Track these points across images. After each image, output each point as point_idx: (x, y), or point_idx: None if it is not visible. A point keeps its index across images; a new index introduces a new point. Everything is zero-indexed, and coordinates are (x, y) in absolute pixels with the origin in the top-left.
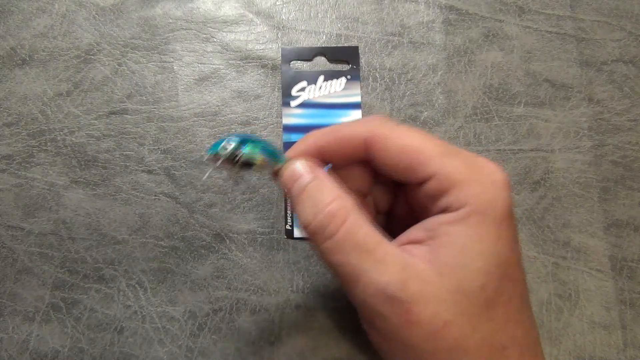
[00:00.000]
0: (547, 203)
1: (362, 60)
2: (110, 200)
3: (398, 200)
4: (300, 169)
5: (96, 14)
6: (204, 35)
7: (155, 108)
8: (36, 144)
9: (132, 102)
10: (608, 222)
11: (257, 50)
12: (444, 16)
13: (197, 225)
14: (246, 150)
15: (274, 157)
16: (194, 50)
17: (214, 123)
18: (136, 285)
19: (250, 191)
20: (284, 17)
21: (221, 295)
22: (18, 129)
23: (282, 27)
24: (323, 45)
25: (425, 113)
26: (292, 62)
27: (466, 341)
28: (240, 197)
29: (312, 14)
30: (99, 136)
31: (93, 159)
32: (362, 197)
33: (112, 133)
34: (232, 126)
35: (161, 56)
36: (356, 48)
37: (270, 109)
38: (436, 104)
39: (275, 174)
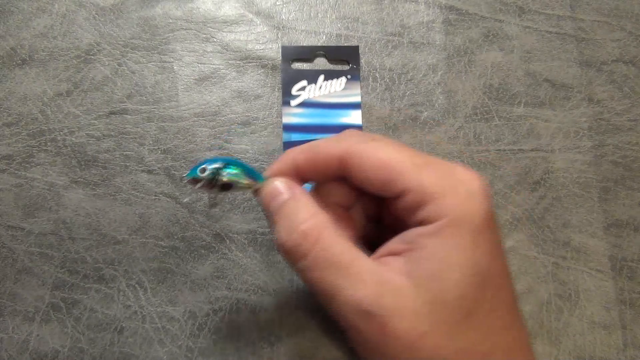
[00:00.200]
0: (547, 203)
1: (362, 60)
2: (110, 200)
3: (384, 208)
4: (278, 187)
5: (96, 14)
6: (204, 35)
7: (155, 108)
8: (36, 144)
9: (132, 102)
10: (608, 222)
11: (257, 50)
12: (444, 16)
13: (197, 225)
14: (224, 172)
15: (254, 178)
16: (194, 50)
17: (214, 123)
18: (136, 285)
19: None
20: (284, 17)
21: (221, 295)
22: (18, 129)
23: (282, 27)
24: (323, 45)
25: (425, 113)
26: (292, 62)
27: (444, 351)
28: (241, 197)
29: (312, 14)
30: (99, 136)
31: (93, 159)
32: (345, 209)
33: (112, 133)
34: (232, 126)
35: (161, 56)
36: (356, 48)
37: (270, 109)
38: (436, 104)
39: (256, 194)
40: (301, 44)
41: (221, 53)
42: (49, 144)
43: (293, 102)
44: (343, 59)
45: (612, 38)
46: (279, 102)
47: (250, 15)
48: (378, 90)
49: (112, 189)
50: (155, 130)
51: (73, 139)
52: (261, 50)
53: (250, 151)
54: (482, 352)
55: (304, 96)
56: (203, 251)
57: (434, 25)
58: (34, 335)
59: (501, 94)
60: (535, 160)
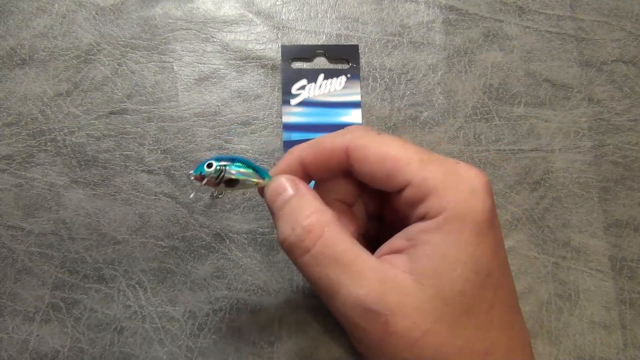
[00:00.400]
0: (547, 203)
1: (362, 60)
2: (110, 200)
3: (387, 205)
4: (283, 184)
5: (96, 14)
6: (204, 35)
7: (155, 108)
8: (36, 144)
9: (132, 102)
10: (608, 222)
11: (257, 50)
12: (444, 16)
13: (197, 225)
14: (231, 168)
15: (260, 175)
16: (194, 50)
17: (214, 123)
18: (136, 285)
19: (250, 191)
20: (284, 17)
21: (221, 295)
22: (18, 129)
23: (282, 27)
24: (323, 44)
25: (425, 113)
26: (292, 61)
27: (446, 348)
28: (241, 197)
29: (312, 14)
30: (99, 136)
31: (93, 159)
32: (348, 206)
33: (112, 133)
34: (232, 126)
35: (161, 56)
36: (356, 47)
37: (270, 108)
38: (436, 104)
39: (262, 191)
40: (301, 44)
41: (221, 53)
42: (49, 144)
43: (293, 101)
44: (343, 58)
45: (612, 38)
46: (278, 102)
47: (250, 15)
48: (378, 90)
49: (112, 189)
50: (155, 130)
51: (73, 139)
52: (261, 50)
53: (250, 151)
54: (482, 349)
55: (303, 95)
56: (203, 251)
57: (434, 25)
58: (34, 335)
59: (501, 94)
60: (535, 160)
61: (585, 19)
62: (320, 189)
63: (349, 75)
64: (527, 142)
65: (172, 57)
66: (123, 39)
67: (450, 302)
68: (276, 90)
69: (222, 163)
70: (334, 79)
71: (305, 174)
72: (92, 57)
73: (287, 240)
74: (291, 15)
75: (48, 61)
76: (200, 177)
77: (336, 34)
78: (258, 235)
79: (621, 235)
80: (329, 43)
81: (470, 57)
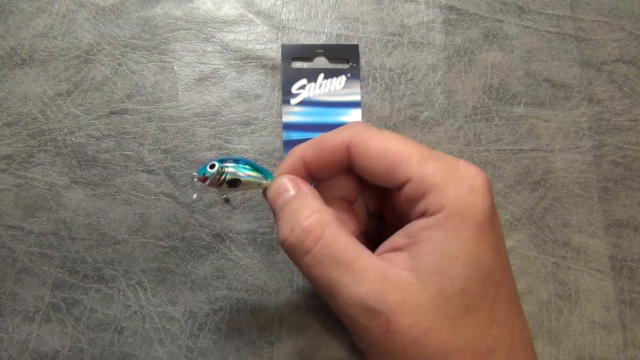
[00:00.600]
0: (547, 203)
1: (362, 60)
2: (110, 200)
3: (387, 203)
4: (285, 184)
5: (96, 14)
6: (204, 35)
7: (155, 108)
8: (36, 144)
9: (132, 102)
10: (608, 222)
11: (257, 50)
12: (444, 16)
13: (197, 225)
14: (232, 169)
15: (262, 176)
16: (194, 50)
17: (214, 123)
18: (136, 285)
19: (251, 191)
20: (284, 17)
21: (221, 295)
22: (18, 129)
23: (282, 27)
24: (323, 44)
25: (425, 113)
26: (292, 61)
27: (448, 346)
28: (241, 197)
29: (312, 14)
30: (99, 136)
31: (93, 159)
32: (348, 204)
33: (112, 133)
34: (232, 126)
35: (161, 56)
36: (356, 46)
37: (270, 108)
38: (436, 104)
39: (264, 193)
40: (301, 44)
41: (221, 53)
42: (49, 144)
43: (293, 101)
44: (343, 57)
45: (612, 38)
46: (278, 102)
47: (250, 15)
48: (378, 90)
49: (112, 189)
50: (155, 130)
51: (73, 139)
52: (261, 50)
53: (250, 151)
54: (484, 347)
55: (303, 95)
56: (203, 251)
57: (434, 25)
58: (34, 335)
59: (501, 94)
60: (535, 160)
61: (585, 19)
62: (321, 187)
63: (349, 75)
64: (527, 142)
65: (172, 57)
66: (123, 39)
67: (452, 300)
68: (276, 90)
69: (225, 164)
70: (334, 78)
71: (308, 173)
72: (92, 57)
73: (287, 241)
74: (291, 15)
75: (48, 61)
76: (204, 178)
77: (336, 34)
78: (258, 235)
79: (621, 235)
80: (329, 43)
81: (470, 57)
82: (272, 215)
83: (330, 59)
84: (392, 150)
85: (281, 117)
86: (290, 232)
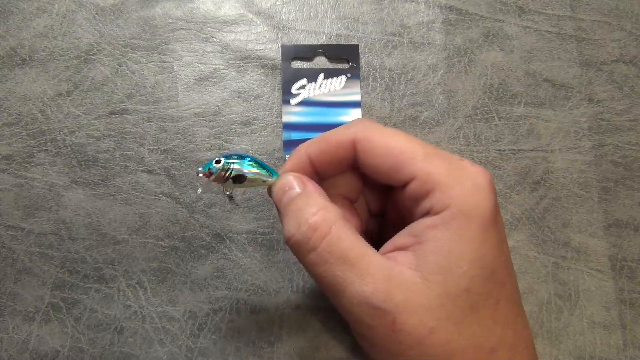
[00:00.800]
0: (547, 203)
1: (362, 60)
2: (110, 200)
3: (389, 202)
4: (290, 181)
5: (96, 14)
6: (204, 35)
7: (155, 108)
8: (36, 144)
9: (132, 102)
10: (608, 222)
11: (257, 50)
12: (444, 16)
13: (197, 225)
14: (238, 166)
15: (267, 173)
16: (194, 50)
17: (214, 123)
18: (136, 285)
19: (250, 191)
20: (284, 17)
21: (221, 295)
22: (18, 129)
23: (282, 27)
24: (323, 44)
25: (425, 113)
26: (292, 61)
27: (453, 345)
28: (241, 197)
29: (312, 14)
30: (99, 136)
31: (93, 159)
32: (350, 202)
33: (112, 133)
34: (232, 126)
35: (161, 56)
36: (356, 46)
37: (270, 108)
38: (436, 104)
39: (269, 190)
40: (301, 44)
41: (221, 53)
42: (49, 144)
43: (293, 101)
44: (343, 58)
45: (612, 38)
46: (278, 102)
47: (250, 15)
48: (378, 90)
49: (112, 189)
50: (155, 130)
51: (73, 139)
52: (261, 50)
53: (250, 151)
54: (488, 346)
55: (303, 95)
56: (203, 251)
57: (434, 25)
58: (34, 335)
59: (501, 94)
60: (535, 160)
61: (585, 19)
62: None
63: (349, 75)
64: (527, 142)
65: (172, 57)
66: (123, 39)
67: (457, 299)
68: (276, 90)
69: (231, 160)
70: (334, 78)
71: (314, 170)
72: (92, 57)
73: (293, 238)
74: (291, 15)
75: (48, 61)
76: (209, 174)
77: (336, 34)
78: (258, 235)
79: (621, 235)
80: (329, 43)
81: (470, 57)
82: (276, 214)
83: (330, 59)
84: (398, 148)
85: (281, 117)
86: (296, 229)
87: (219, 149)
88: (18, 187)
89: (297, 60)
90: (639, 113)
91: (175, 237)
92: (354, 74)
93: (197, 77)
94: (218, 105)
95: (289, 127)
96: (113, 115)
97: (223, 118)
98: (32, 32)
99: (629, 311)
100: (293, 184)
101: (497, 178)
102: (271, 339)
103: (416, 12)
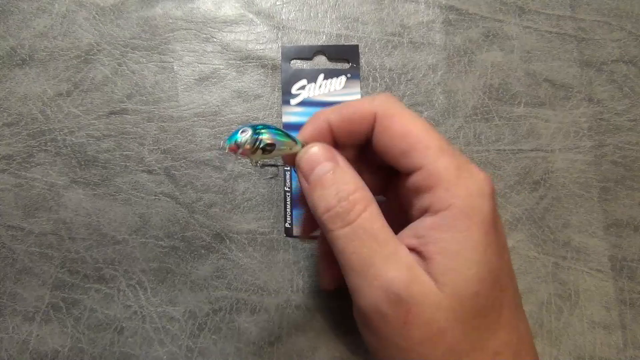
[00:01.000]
0: (547, 203)
1: (362, 60)
2: (110, 200)
3: (389, 191)
4: (319, 155)
5: (96, 14)
6: (204, 35)
7: (155, 108)
8: (36, 144)
9: (132, 102)
10: (608, 222)
11: (257, 50)
12: (444, 16)
13: (197, 225)
14: (264, 135)
15: (293, 141)
16: (194, 50)
17: (214, 123)
18: (136, 285)
19: (250, 191)
20: (284, 17)
21: (221, 295)
22: (18, 129)
23: (282, 27)
24: (323, 44)
25: (425, 113)
26: (292, 61)
27: (459, 347)
28: (241, 197)
29: (312, 14)
30: (99, 136)
31: (93, 159)
32: None
33: (112, 133)
34: (232, 126)
35: (161, 56)
36: (356, 47)
37: (271, 109)
38: (436, 104)
39: (292, 160)
40: (301, 44)
41: (221, 53)
42: (49, 144)
43: (293, 101)
44: (343, 58)
45: (612, 38)
46: (278, 102)
47: (250, 15)
48: (378, 90)
49: (112, 189)
50: (155, 130)
51: (73, 139)
52: (261, 50)
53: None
54: (492, 349)
55: (303, 95)
56: (203, 251)
57: (434, 25)
58: (34, 335)
59: (501, 94)
60: (535, 160)
61: (585, 19)
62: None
63: (349, 75)
64: (527, 142)
65: (172, 57)
66: (123, 39)
67: (466, 302)
68: (276, 90)
69: (253, 130)
70: (334, 79)
71: (332, 138)
72: (92, 57)
73: (332, 211)
74: (291, 15)
75: (48, 61)
76: (235, 147)
77: (336, 34)
78: (258, 235)
79: (621, 235)
80: (329, 43)
81: (470, 57)
82: (276, 214)
83: (330, 59)
84: (415, 134)
85: (281, 117)
86: (336, 202)
87: (219, 149)
88: (18, 187)
89: (297, 60)
90: (639, 113)
91: (175, 237)
92: (354, 74)
93: (197, 77)
94: (218, 105)
95: (289, 127)
96: (113, 115)
97: (223, 118)
98: (32, 32)
99: (629, 311)
100: (322, 158)
101: (497, 178)
102: (271, 339)
103: (416, 12)
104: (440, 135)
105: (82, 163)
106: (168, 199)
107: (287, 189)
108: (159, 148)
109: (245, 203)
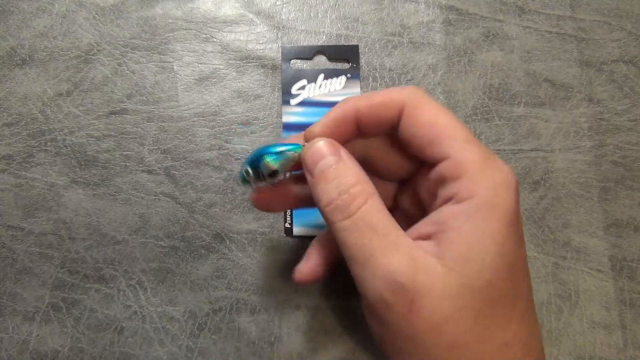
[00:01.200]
0: (547, 203)
1: (362, 60)
2: (110, 200)
3: (402, 194)
4: (323, 149)
5: (96, 14)
6: (204, 35)
7: (155, 108)
8: (36, 144)
9: (132, 102)
10: (608, 222)
11: (257, 50)
12: (444, 16)
13: (197, 225)
14: (263, 168)
15: (292, 150)
16: (194, 50)
17: (214, 123)
18: (136, 285)
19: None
20: (284, 17)
21: (221, 295)
22: (18, 129)
23: (282, 27)
24: (323, 45)
25: None
26: (292, 61)
27: (467, 337)
28: (240, 197)
29: (312, 14)
30: (99, 136)
31: (93, 159)
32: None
33: (112, 133)
34: (232, 126)
35: (161, 56)
36: (356, 47)
37: (270, 109)
38: None
39: (298, 163)
40: (301, 44)
41: (221, 53)
42: (49, 144)
43: (293, 101)
44: (343, 58)
45: (612, 38)
46: (278, 102)
47: (250, 15)
48: (378, 90)
49: (112, 189)
50: (155, 130)
51: (73, 139)
52: (261, 50)
53: (250, 151)
54: (503, 341)
55: (303, 95)
56: (203, 251)
57: (434, 25)
58: (34, 335)
59: (501, 94)
60: (535, 160)
61: (585, 19)
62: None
63: (349, 75)
64: (527, 142)
65: (172, 57)
66: (123, 39)
67: (477, 291)
68: (276, 90)
69: (255, 164)
70: (334, 79)
71: (356, 125)
72: (92, 57)
73: (332, 204)
74: (291, 15)
75: (48, 61)
76: (249, 184)
77: (336, 34)
78: (258, 235)
79: (621, 235)
80: (329, 43)
81: (470, 57)
82: (275, 214)
83: (330, 59)
84: (442, 125)
85: (281, 118)
86: (337, 195)
87: (219, 149)
88: (18, 187)
89: (297, 60)
90: (639, 113)
91: (175, 237)
92: (354, 74)
93: (197, 77)
94: (218, 105)
95: (289, 127)
96: (113, 115)
97: (223, 118)
98: (32, 32)
99: (629, 311)
100: (325, 152)
101: None
102: (271, 339)
103: (416, 12)
104: (466, 128)
105: (82, 163)
106: (168, 199)
107: None
108: (159, 148)
109: (245, 203)
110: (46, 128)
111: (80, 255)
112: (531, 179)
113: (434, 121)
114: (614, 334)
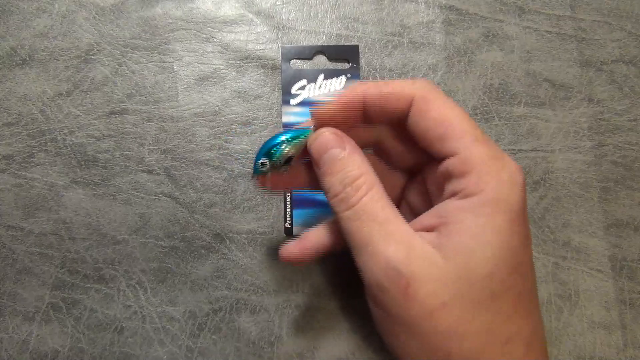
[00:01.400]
0: (547, 203)
1: (362, 61)
2: (110, 200)
3: (411, 188)
4: (330, 140)
5: (96, 14)
6: (204, 35)
7: (155, 108)
8: (36, 144)
9: (132, 102)
10: (608, 222)
11: (257, 50)
12: (444, 16)
13: (197, 225)
14: (279, 151)
15: (301, 136)
16: (194, 50)
17: (214, 123)
18: (136, 285)
19: (250, 191)
20: (284, 17)
21: (221, 295)
22: (18, 129)
23: (282, 27)
24: (323, 45)
25: None
26: (292, 61)
27: (465, 326)
28: (240, 197)
29: (312, 14)
30: (99, 136)
31: (93, 159)
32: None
33: (112, 133)
34: (232, 126)
35: (161, 56)
36: (356, 47)
37: (271, 109)
38: None
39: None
40: (301, 44)
41: (221, 53)
42: (49, 144)
43: (293, 101)
44: (343, 58)
45: (612, 38)
46: (279, 102)
47: (250, 15)
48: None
49: (112, 189)
50: (155, 130)
51: (73, 139)
52: (261, 50)
53: (250, 151)
54: (504, 335)
55: (303, 95)
56: (203, 251)
57: (434, 25)
58: (34, 335)
59: (501, 94)
60: (535, 160)
61: (585, 19)
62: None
63: (349, 75)
64: (527, 142)
65: (172, 57)
66: (123, 39)
67: (476, 283)
68: (276, 90)
69: (272, 155)
70: (334, 79)
71: (363, 112)
72: (92, 57)
73: (338, 196)
74: (291, 15)
75: (48, 61)
76: (264, 177)
77: (336, 34)
78: (258, 235)
79: (621, 235)
80: (329, 43)
81: (470, 57)
82: (275, 214)
83: (330, 59)
84: (451, 120)
85: (281, 118)
86: (342, 188)
87: (219, 149)
88: (18, 187)
89: (297, 60)
90: (639, 113)
91: (175, 237)
92: (354, 74)
93: (197, 77)
94: (218, 105)
95: (288, 127)
96: (113, 115)
97: (223, 118)
98: (32, 32)
99: (629, 311)
100: (332, 143)
101: None
102: (271, 339)
103: (416, 12)
104: (476, 124)
105: (82, 163)
106: (168, 199)
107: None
108: (159, 148)
109: (245, 203)
110: (46, 128)
111: (80, 255)
112: (531, 179)
113: (444, 117)
114: (613, 334)
